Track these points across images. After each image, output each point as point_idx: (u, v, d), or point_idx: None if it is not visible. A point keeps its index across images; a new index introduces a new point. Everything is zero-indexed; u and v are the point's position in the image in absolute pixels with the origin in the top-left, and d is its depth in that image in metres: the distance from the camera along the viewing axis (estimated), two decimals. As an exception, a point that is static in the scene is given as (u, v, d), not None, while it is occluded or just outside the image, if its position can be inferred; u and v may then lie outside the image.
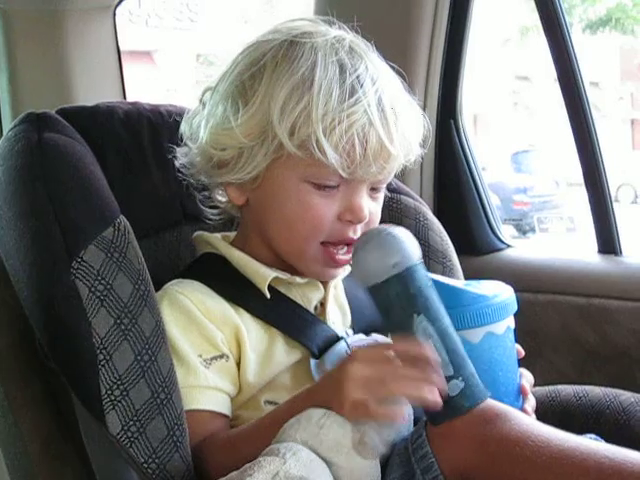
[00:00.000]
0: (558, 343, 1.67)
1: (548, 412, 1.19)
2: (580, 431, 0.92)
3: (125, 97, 1.90)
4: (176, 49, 9.26)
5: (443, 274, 1.23)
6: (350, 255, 1.00)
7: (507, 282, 1.00)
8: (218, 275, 1.04)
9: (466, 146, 1.82)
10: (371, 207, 1.01)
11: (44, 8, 1.75)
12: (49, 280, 0.91)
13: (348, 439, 0.83)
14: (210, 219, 1.13)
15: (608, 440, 0.90)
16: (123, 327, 0.90)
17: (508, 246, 1.84)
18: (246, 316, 1.01)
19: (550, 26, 1.61)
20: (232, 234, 1.10)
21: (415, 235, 0.93)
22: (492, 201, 1.87)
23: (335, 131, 0.93)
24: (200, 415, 0.96)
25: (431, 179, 1.83)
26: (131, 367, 0.90)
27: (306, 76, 0.95)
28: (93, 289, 0.90)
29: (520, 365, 0.99)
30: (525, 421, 0.84)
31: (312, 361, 1.01)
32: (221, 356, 0.98)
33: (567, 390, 1.22)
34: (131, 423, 0.89)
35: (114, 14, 1.87)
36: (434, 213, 1.36)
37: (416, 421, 0.92)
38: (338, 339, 1.03)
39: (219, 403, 0.98)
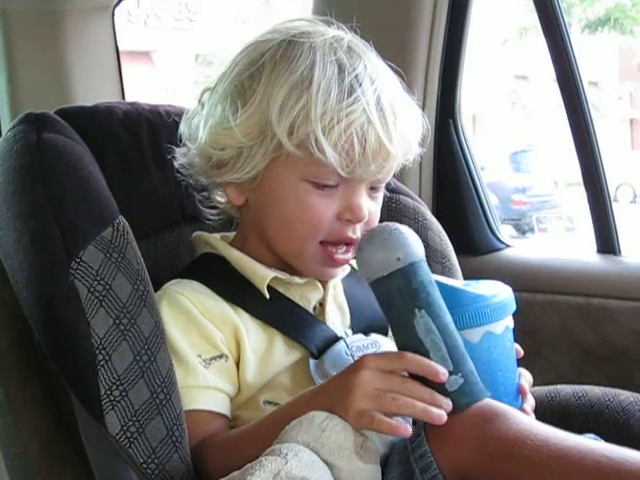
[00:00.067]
0: (557, 343, 1.66)
1: (547, 412, 1.18)
2: (579, 431, 0.91)
3: (124, 97, 1.90)
4: (175, 49, 9.26)
5: (442, 274, 1.22)
6: (349, 255, 1.00)
7: (506, 282, 0.99)
8: (217, 275, 1.04)
9: (465, 146, 1.82)
10: (370, 207, 1.01)
11: (43, 8, 1.75)
12: (48, 280, 0.91)
13: (350, 443, 0.83)
14: (209, 219, 1.12)
15: (607, 440, 0.90)
16: (122, 327, 0.90)
17: (507, 246, 1.83)
18: (245, 316, 1.01)
19: (549, 26, 1.61)
20: (231, 234, 1.10)
21: (414, 235, 0.93)
22: (491, 201, 1.87)
23: (334, 130, 0.93)
24: (199, 415, 0.96)
25: (430, 179, 1.83)
26: (130, 367, 0.90)
27: (305, 76, 0.95)
28: (92, 289, 0.89)
29: (519, 365, 0.99)
30: (524, 420, 0.84)
31: (311, 361, 1.01)
32: (220, 356, 0.98)
33: (566, 390, 1.22)
34: (130, 423, 0.89)
35: (113, 14, 1.87)
36: (433, 213, 1.36)
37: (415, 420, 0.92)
38: (337, 339, 1.03)
39: (218, 403, 0.97)
